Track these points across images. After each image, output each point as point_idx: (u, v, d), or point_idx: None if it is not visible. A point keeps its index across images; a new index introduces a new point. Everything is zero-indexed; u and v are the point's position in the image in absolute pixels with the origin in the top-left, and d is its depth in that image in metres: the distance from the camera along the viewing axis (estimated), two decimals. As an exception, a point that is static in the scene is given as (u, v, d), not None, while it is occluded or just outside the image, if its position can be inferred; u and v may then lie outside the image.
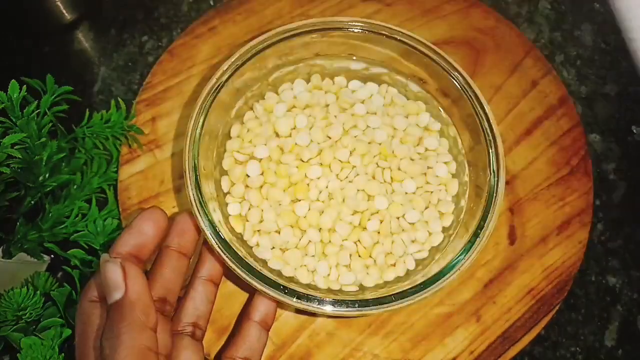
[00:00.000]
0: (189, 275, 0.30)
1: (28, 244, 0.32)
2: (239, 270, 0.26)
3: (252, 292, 0.33)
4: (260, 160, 0.32)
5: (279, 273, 0.30)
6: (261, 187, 0.31)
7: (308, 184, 0.32)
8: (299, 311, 0.33)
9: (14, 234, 0.32)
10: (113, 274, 0.23)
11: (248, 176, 0.32)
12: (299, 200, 0.31)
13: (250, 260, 0.27)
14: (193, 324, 0.28)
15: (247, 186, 0.32)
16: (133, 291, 0.23)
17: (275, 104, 0.34)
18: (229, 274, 0.29)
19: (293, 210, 0.31)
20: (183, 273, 0.28)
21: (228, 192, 0.32)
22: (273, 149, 0.32)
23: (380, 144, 0.33)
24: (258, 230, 0.31)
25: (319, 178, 0.31)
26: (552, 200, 0.37)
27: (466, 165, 0.33)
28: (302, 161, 0.32)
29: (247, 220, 0.31)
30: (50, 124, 0.32)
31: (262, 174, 0.32)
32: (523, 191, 0.37)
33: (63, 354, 0.29)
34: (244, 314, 0.29)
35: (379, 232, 0.31)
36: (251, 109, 0.34)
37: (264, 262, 0.30)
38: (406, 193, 0.32)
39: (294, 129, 0.33)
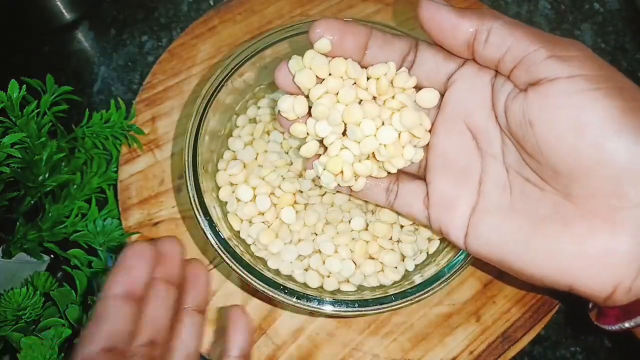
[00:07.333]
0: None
1: (28, 243, 0.32)
2: (238, 270, 0.26)
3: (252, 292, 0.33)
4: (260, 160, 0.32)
5: (277, 272, 0.30)
6: (261, 187, 0.31)
7: (308, 184, 0.32)
8: (298, 311, 0.33)
9: (14, 234, 0.32)
10: None
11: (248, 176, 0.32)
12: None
13: (250, 260, 0.27)
14: None
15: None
16: None
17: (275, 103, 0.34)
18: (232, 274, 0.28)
19: (292, 210, 0.31)
20: (173, 303, 0.26)
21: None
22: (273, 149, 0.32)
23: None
24: (257, 230, 0.31)
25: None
26: (552, 200, 0.36)
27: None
28: (302, 161, 0.32)
29: (247, 220, 0.31)
30: (50, 124, 0.32)
31: (262, 177, 0.32)
32: (523, 191, 0.37)
33: (63, 354, 0.29)
34: (222, 353, 0.26)
35: (378, 234, 0.31)
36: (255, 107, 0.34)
37: (263, 262, 0.30)
38: (406, 193, 0.32)
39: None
